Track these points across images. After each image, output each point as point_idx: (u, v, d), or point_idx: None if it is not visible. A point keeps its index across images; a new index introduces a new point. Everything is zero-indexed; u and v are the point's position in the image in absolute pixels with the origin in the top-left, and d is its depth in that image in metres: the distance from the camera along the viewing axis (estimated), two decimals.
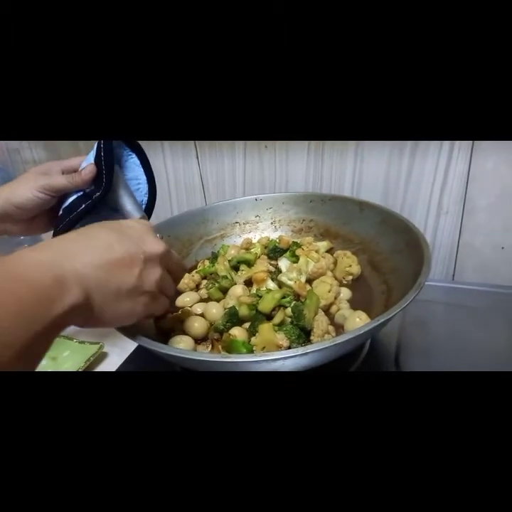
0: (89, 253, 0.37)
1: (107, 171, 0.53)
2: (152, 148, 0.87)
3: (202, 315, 0.59)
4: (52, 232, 0.57)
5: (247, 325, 0.55)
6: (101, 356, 0.66)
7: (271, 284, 0.62)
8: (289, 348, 0.49)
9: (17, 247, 0.88)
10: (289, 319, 0.54)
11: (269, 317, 0.55)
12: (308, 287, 0.60)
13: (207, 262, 0.73)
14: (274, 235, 0.78)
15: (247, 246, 0.75)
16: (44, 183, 0.53)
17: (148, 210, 0.61)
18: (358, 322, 0.52)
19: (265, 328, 0.51)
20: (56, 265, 0.34)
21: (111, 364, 0.65)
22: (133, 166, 0.59)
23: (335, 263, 0.66)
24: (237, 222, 0.79)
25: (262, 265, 0.66)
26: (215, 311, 0.59)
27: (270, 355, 0.40)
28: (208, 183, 0.94)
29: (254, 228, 0.80)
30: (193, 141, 0.90)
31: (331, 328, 0.54)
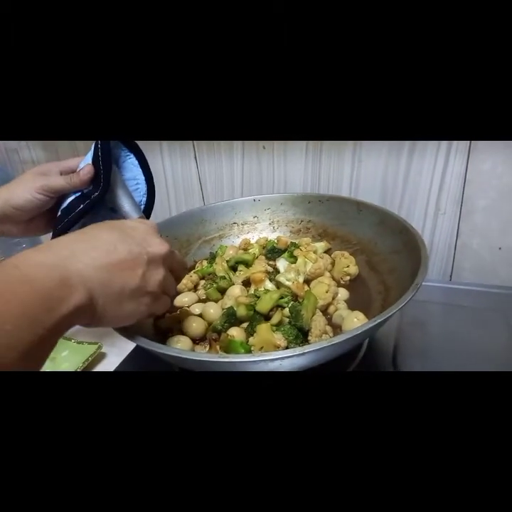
0: (93, 254, 0.37)
1: (105, 170, 0.53)
2: (150, 149, 0.87)
3: (200, 315, 0.59)
4: (51, 233, 0.57)
5: (245, 325, 0.56)
6: (99, 356, 0.66)
7: (269, 285, 0.62)
8: (287, 348, 0.50)
9: (15, 247, 0.88)
10: (287, 319, 0.54)
11: (267, 317, 0.56)
12: (306, 288, 0.60)
13: (205, 263, 0.73)
14: (272, 236, 0.78)
15: (245, 246, 0.75)
16: (42, 184, 0.53)
17: (147, 210, 0.61)
18: (355, 322, 0.53)
19: (263, 329, 0.51)
20: (60, 266, 0.34)
21: (109, 364, 0.65)
22: (131, 166, 0.59)
23: (333, 264, 0.67)
24: (235, 223, 0.79)
25: (260, 266, 0.66)
26: (213, 311, 0.59)
27: (268, 355, 0.40)
28: (206, 183, 0.94)
29: (253, 229, 0.80)
30: (191, 142, 0.90)
31: (328, 328, 0.54)
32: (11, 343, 0.28)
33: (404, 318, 0.65)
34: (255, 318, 0.55)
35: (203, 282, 0.69)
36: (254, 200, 0.79)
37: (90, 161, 0.53)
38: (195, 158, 0.92)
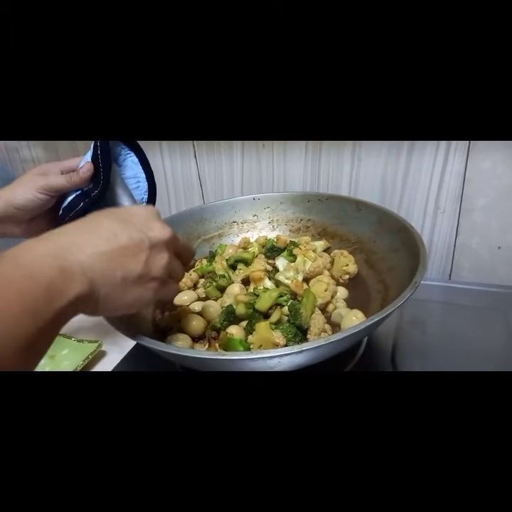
0: (93, 242, 0.37)
1: (104, 168, 0.53)
2: (150, 148, 0.87)
3: (199, 313, 0.60)
4: None
5: (244, 323, 0.56)
6: (99, 354, 0.66)
7: (268, 283, 0.62)
8: (286, 346, 0.50)
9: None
10: (286, 318, 0.55)
11: (266, 316, 0.56)
12: (305, 286, 0.61)
13: (205, 261, 0.73)
14: (271, 235, 0.78)
15: (245, 245, 0.75)
16: (43, 184, 0.53)
17: None
18: (354, 321, 0.53)
19: (262, 327, 0.51)
20: (60, 257, 0.34)
21: (109, 362, 0.65)
22: (131, 164, 0.60)
23: (332, 262, 0.67)
24: (234, 222, 0.80)
25: (260, 264, 0.67)
26: (213, 309, 0.59)
27: (266, 352, 0.40)
28: (206, 182, 0.94)
29: (252, 227, 0.80)
30: (191, 141, 0.90)
31: (327, 326, 0.54)
32: (11, 334, 0.28)
33: (403, 317, 0.65)
34: (254, 316, 0.55)
35: (202, 281, 0.69)
36: (254, 198, 0.79)
37: (90, 159, 0.54)
38: (195, 156, 0.92)
